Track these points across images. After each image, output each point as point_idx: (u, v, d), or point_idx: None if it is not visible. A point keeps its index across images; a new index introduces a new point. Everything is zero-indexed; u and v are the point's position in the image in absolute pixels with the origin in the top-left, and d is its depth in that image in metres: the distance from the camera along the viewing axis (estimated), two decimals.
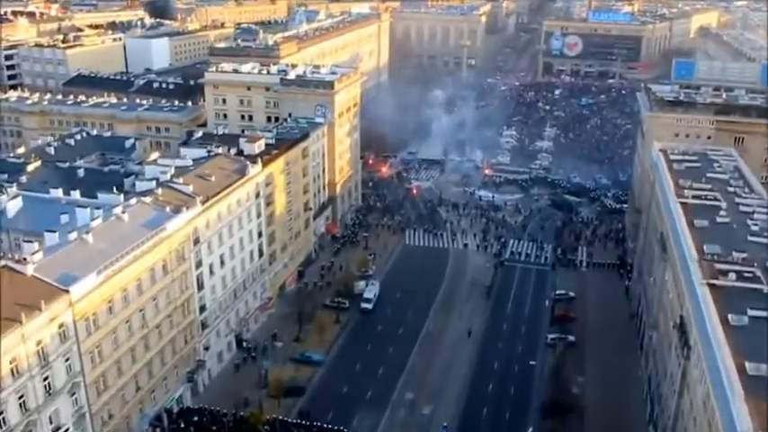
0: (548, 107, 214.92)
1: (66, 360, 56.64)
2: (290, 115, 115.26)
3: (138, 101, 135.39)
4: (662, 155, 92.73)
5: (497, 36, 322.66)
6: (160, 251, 67.86)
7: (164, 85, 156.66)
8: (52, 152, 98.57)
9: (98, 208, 68.65)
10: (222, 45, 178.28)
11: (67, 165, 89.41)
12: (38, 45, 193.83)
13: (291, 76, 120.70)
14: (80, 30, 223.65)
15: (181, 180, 77.27)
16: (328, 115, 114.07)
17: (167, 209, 71.11)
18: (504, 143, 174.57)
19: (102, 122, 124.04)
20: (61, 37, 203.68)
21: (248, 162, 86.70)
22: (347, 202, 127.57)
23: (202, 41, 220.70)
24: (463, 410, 77.55)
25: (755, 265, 60.58)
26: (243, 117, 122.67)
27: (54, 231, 62.38)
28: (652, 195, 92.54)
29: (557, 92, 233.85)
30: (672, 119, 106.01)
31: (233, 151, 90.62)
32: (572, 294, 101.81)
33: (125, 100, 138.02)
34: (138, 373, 67.16)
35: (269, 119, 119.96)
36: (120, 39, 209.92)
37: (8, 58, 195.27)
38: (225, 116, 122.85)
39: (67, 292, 56.06)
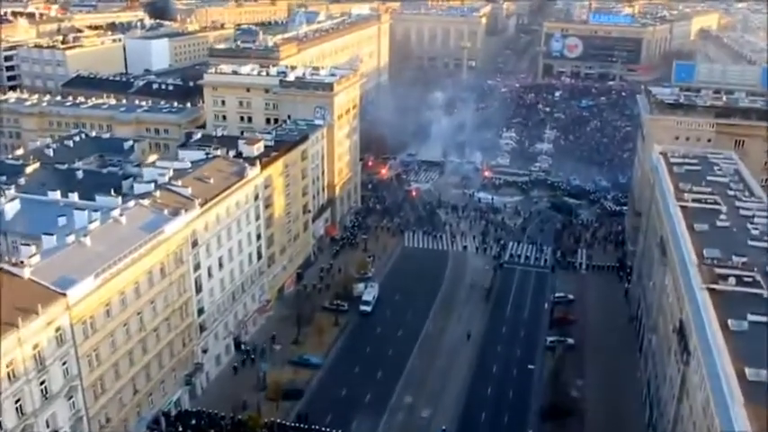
0: (548, 109, 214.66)
1: (64, 364, 56.40)
2: (289, 117, 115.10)
3: (137, 102, 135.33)
4: (662, 158, 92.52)
5: (497, 37, 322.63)
6: (158, 254, 67.63)
7: (163, 87, 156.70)
8: (51, 154, 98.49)
9: (96, 210, 68.45)
10: (222, 46, 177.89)
11: (66, 166, 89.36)
12: (37, 46, 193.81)
13: (291, 77, 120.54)
14: (80, 30, 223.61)
15: (179, 182, 77.04)
16: (327, 117, 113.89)
17: (165, 211, 70.88)
18: (504, 145, 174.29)
19: (101, 124, 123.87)
20: (61, 38, 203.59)
21: (247, 164, 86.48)
22: (346, 204, 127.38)
23: (202, 42, 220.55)
24: (462, 414, 77.31)
25: (755, 269, 60.35)
26: (242, 119, 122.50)
27: (51, 234, 62.26)
28: (652, 198, 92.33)
29: (557, 94, 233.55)
30: (672, 121, 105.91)
31: (232, 153, 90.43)
32: (571, 297, 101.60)
33: (124, 101, 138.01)
34: (136, 376, 66.91)
35: (268, 120, 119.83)
36: (119, 40, 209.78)
37: (8, 59, 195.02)
38: (224, 118, 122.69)
39: (65, 295, 55.82)
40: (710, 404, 47.14)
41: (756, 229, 70.12)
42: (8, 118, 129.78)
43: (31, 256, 57.74)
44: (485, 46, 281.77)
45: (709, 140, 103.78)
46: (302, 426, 73.13)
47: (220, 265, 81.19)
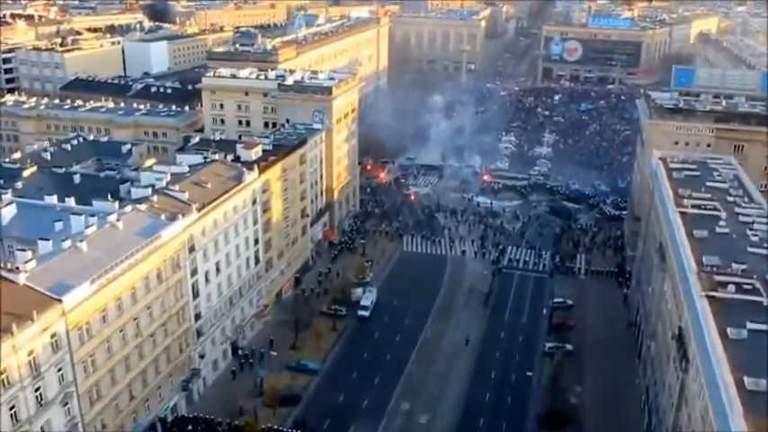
0: (547, 113, 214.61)
1: (59, 370, 56.06)
2: (287, 121, 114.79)
3: (135, 105, 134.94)
4: (661, 163, 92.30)
5: (497, 41, 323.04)
6: (155, 259, 67.31)
7: (161, 90, 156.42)
8: (48, 157, 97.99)
9: (93, 215, 68.01)
10: (220, 49, 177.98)
11: (63, 170, 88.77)
12: (35, 48, 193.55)
13: (289, 81, 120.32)
14: (79, 33, 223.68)
15: (177, 187, 76.71)
16: (326, 121, 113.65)
17: (163, 216, 70.59)
18: (503, 149, 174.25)
19: (98, 127, 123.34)
20: (59, 40, 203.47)
21: (245, 169, 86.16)
22: (345, 208, 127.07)
23: (201, 45, 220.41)
24: (460, 420, 76.95)
25: (755, 276, 60.05)
26: (240, 122, 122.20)
27: (48, 239, 61.88)
28: (651, 204, 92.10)
29: (556, 97, 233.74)
30: (671, 126, 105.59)
31: (230, 157, 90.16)
32: (570, 302, 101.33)
33: (122, 104, 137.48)
34: (132, 382, 66.50)
35: (266, 124, 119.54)
36: (118, 42, 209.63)
37: (6, 61, 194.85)
38: (222, 121, 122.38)
39: (60, 301, 55.48)
40: (709, 413, 46.83)
41: (756, 235, 69.92)
42: (6, 121, 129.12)
43: (26, 262, 57.48)
44: (484, 49, 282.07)
45: (708, 145, 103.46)
46: None
47: (218, 270, 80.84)
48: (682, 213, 74.85)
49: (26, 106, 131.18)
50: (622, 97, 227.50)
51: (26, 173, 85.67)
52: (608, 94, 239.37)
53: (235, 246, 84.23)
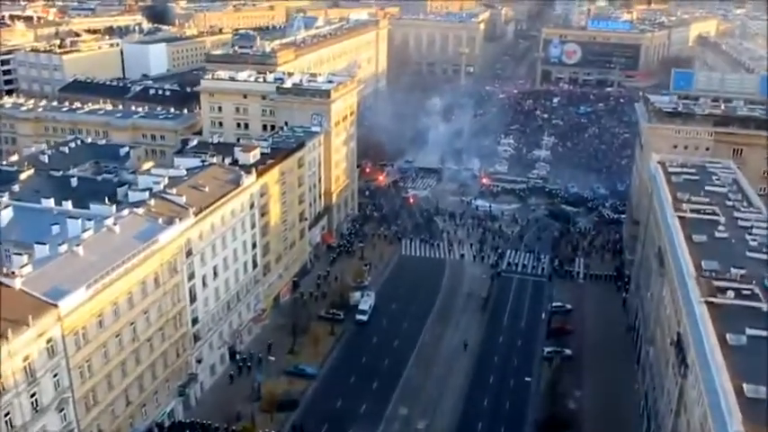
0: (546, 115, 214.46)
1: (55, 376, 55.71)
2: (286, 124, 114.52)
3: (133, 108, 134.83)
4: (660, 167, 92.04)
5: (496, 43, 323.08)
6: (152, 264, 67.01)
7: (160, 92, 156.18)
8: (46, 160, 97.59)
9: (90, 219, 67.79)
10: (219, 52, 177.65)
11: (61, 173, 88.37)
12: (34, 50, 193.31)
13: (288, 84, 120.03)
14: (77, 34, 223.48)
15: (174, 190, 76.42)
16: (324, 124, 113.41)
17: (160, 220, 70.24)
18: (502, 152, 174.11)
19: (97, 130, 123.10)
20: (58, 42, 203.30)
21: (243, 172, 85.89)
22: (343, 211, 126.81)
23: (200, 47, 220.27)
24: (458, 425, 76.70)
25: (754, 282, 59.74)
26: (239, 125, 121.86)
27: (44, 243, 61.52)
28: (650, 208, 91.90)
29: (555, 100, 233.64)
30: (670, 130, 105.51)
31: (228, 160, 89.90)
32: (569, 307, 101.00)
33: (120, 107, 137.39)
34: (129, 387, 66.15)
35: (265, 127, 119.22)
36: (117, 44, 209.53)
37: (4, 62, 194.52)
38: (221, 124, 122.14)
39: (56, 306, 55.14)
40: (708, 420, 46.54)
41: (755, 240, 69.60)
42: (4, 123, 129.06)
43: (22, 266, 57.10)
44: (483, 52, 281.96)
45: (707, 149, 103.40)
46: None
47: (215, 275, 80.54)
48: (680, 218, 74.54)
49: (24, 108, 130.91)
50: (621, 100, 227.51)
51: (23, 176, 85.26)
52: (607, 96, 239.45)
53: (232, 250, 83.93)
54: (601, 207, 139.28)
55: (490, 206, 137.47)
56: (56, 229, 66.45)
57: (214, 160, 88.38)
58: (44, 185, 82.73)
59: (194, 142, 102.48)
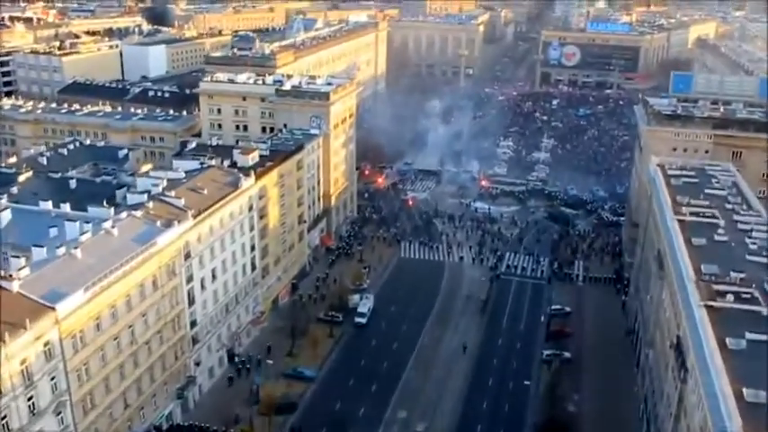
0: (545, 118, 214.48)
1: (52, 379, 55.51)
2: (285, 126, 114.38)
3: (132, 110, 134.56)
4: (659, 170, 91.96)
5: (495, 45, 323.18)
6: (150, 266, 66.84)
7: (159, 94, 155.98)
8: (44, 162, 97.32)
9: (88, 222, 67.56)
10: (218, 54, 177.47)
11: (59, 175, 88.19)
12: (33, 52, 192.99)
13: (287, 86, 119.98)
14: (77, 36, 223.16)
15: (173, 193, 76.21)
16: (323, 126, 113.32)
17: (158, 223, 70.09)
18: (501, 154, 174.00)
19: (96, 131, 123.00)
20: (58, 43, 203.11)
21: (241, 174, 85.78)
22: (342, 213, 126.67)
23: (199, 49, 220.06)
24: (457, 428, 76.53)
25: (754, 286, 59.63)
26: (238, 127, 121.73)
27: (42, 246, 61.29)
28: (649, 210, 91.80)
29: (554, 102, 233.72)
30: (669, 133, 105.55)
31: (227, 163, 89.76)
32: (568, 309, 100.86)
33: (120, 108, 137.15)
34: (127, 390, 65.96)
35: (264, 129, 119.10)
36: (116, 46, 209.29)
37: (3, 64, 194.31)
38: (220, 126, 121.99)
39: (54, 309, 54.97)
40: (708, 424, 46.40)
41: (755, 243, 69.48)
42: (3, 125, 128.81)
43: (20, 269, 56.88)
44: (482, 54, 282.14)
45: (706, 152, 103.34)
46: None
47: (214, 277, 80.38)
48: (680, 220, 74.45)
49: (23, 110, 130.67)
50: (620, 102, 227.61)
51: (22, 178, 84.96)
52: (606, 98, 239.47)
53: (231, 252, 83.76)
54: (600, 209, 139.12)
55: (489, 208, 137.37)
56: (54, 231, 66.16)
57: (213, 162, 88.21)
58: (42, 187, 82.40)
59: (193, 144, 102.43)
